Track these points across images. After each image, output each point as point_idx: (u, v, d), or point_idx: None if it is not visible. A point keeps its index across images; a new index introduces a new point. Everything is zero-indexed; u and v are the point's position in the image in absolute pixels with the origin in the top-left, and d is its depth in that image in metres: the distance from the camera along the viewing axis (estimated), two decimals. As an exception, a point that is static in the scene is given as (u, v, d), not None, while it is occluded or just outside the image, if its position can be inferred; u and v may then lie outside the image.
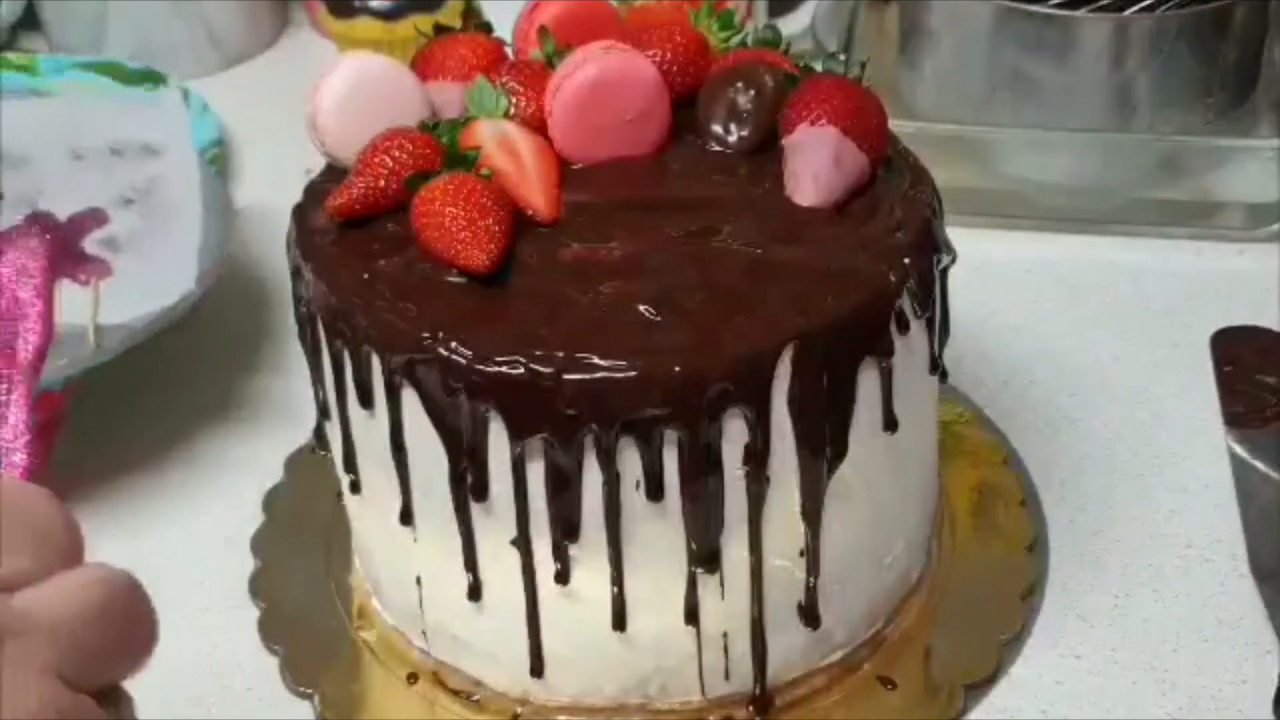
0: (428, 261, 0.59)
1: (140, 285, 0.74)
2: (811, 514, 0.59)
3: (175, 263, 0.75)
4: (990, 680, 0.65)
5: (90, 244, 0.77)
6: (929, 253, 0.61)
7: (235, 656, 0.68)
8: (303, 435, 0.74)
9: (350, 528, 0.68)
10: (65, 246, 0.76)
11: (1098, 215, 0.90)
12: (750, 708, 0.63)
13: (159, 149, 0.83)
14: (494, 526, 0.59)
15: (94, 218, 0.78)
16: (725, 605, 0.60)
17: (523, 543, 0.59)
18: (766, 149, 0.63)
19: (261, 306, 0.87)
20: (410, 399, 0.58)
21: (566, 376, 0.55)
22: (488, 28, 0.68)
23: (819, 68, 0.65)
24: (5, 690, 0.36)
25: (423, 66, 0.66)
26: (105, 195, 0.80)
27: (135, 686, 0.68)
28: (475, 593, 0.61)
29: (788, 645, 0.62)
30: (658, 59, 0.64)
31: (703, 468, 0.57)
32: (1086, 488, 0.74)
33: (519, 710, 0.64)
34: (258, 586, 0.71)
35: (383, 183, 0.60)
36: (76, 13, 1.10)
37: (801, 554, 0.60)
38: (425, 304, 0.58)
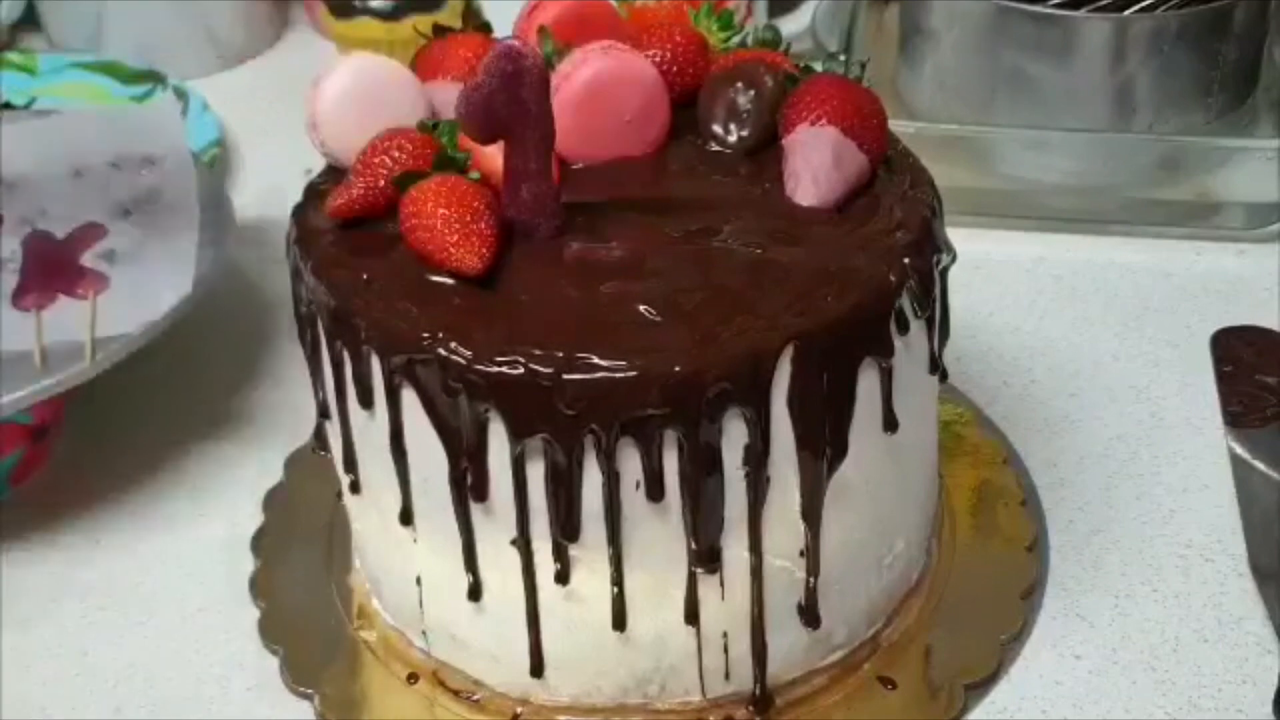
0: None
1: (139, 294, 0.74)
2: (811, 514, 0.59)
3: (173, 269, 0.76)
4: (990, 680, 0.65)
5: (89, 258, 0.77)
6: (929, 253, 0.61)
7: (235, 656, 0.68)
8: (303, 436, 0.74)
9: (350, 528, 0.68)
10: (63, 264, 0.76)
11: (1097, 215, 0.90)
12: (750, 708, 0.63)
13: (158, 159, 0.83)
14: (494, 526, 0.59)
15: (92, 233, 0.78)
16: (725, 605, 0.60)
17: (523, 543, 0.59)
18: (766, 149, 0.63)
19: (261, 307, 0.87)
20: (410, 399, 0.58)
21: (566, 376, 0.55)
22: (488, 28, 0.68)
23: (819, 68, 0.65)
24: None
25: (423, 66, 0.66)
26: (105, 209, 0.80)
27: (135, 686, 0.69)
28: (475, 593, 0.61)
29: (788, 645, 0.62)
30: (658, 59, 0.64)
31: (703, 468, 0.57)
32: (1086, 488, 0.74)
33: (519, 710, 0.64)
34: (258, 586, 0.71)
35: (382, 183, 0.60)
36: (76, 13, 1.10)
37: (801, 554, 0.60)
38: (425, 304, 0.58)
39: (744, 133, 0.64)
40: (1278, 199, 0.88)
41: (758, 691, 0.63)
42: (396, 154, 0.60)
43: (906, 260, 0.59)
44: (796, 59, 0.66)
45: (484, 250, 0.58)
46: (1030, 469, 0.75)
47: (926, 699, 0.65)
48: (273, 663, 0.67)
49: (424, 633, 0.65)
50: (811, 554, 0.60)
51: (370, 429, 0.61)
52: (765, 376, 0.56)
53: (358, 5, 1.05)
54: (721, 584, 0.60)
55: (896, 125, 0.65)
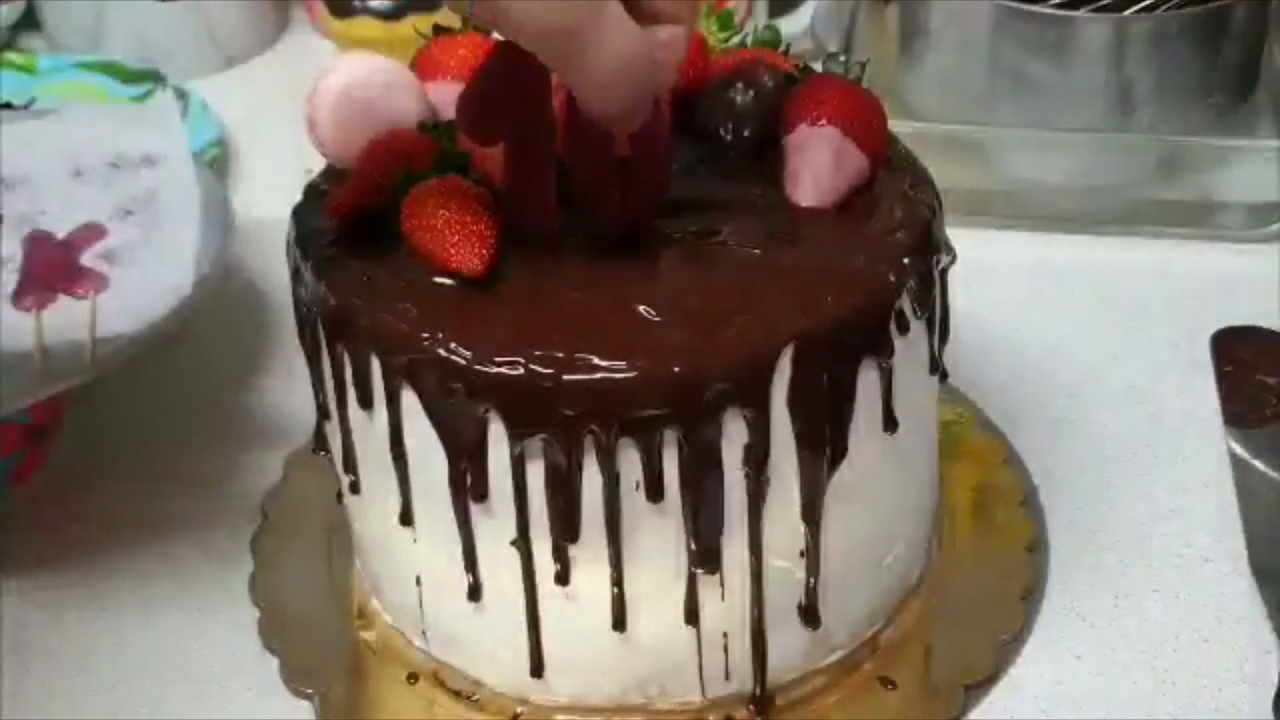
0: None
1: (139, 294, 0.74)
2: (811, 514, 0.59)
3: (174, 269, 0.75)
4: (990, 680, 0.65)
5: (89, 258, 0.77)
6: (929, 253, 0.61)
7: (235, 656, 0.68)
8: (303, 436, 0.74)
9: (350, 528, 0.68)
10: (63, 264, 0.76)
11: (1098, 215, 0.90)
12: (750, 708, 0.63)
13: (157, 159, 0.83)
14: (494, 527, 0.59)
15: (92, 233, 0.78)
16: (725, 605, 0.60)
17: (523, 543, 0.59)
18: (766, 149, 0.63)
19: (261, 307, 0.87)
20: (410, 400, 0.58)
21: (566, 377, 0.55)
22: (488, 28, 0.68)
23: (819, 68, 0.65)
24: None
25: (423, 66, 0.66)
26: (105, 209, 0.80)
27: (135, 686, 0.69)
28: (475, 593, 0.61)
29: (788, 645, 0.62)
30: (657, 59, 0.64)
31: (703, 468, 0.57)
32: (1086, 488, 0.74)
33: (519, 710, 0.64)
34: (258, 587, 0.71)
35: (382, 183, 0.60)
36: (76, 13, 1.10)
37: (801, 554, 0.60)
38: (425, 304, 0.58)
39: (744, 133, 0.64)
40: (1278, 199, 0.88)
41: (758, 691, 0.63)
42: (396, 154, 0.60)
43: (906, 260, 0.59)
44: (796, 59, 0.66)
45: (484, 250, 0.58)
46: (1030, 469, 0.75)
47: (926, 699, 0.65)
48: (273, 663, 0.67)
49: (424, 633, 0.65)
50: (811, 554, 0.60)
51: (370, 429, 0.61)
52: (765, 376, 0.56)
53: (358, 5, 1.05)
54: (721, 584, 0.60)
55: (896, 125, 0.65)
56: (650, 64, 0.52)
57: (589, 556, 0.59)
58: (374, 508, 0.64)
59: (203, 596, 0.71)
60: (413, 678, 0.66)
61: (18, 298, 0.75)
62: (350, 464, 0.64)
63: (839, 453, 0.59)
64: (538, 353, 0.55)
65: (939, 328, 0.63)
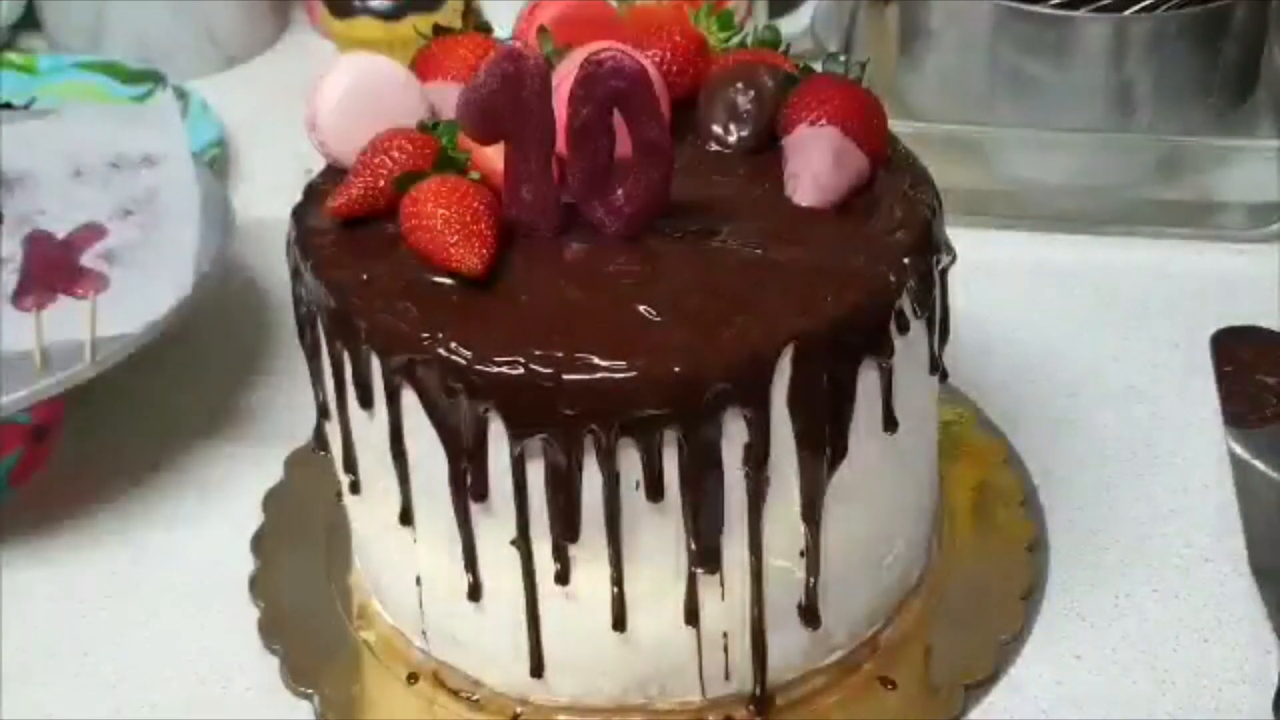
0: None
1: (139, 294, 0.74)
2: (811, 514, 0.59)
3: (174, 269, 0.76)
4: (990, 680, 0.65)
5: (89, 258, 0.77)
6: (929, 253, 0.61)
7: (235, 656, 0.68)
8: (303, 436, 0.74)
9: (350, 528, 0.68)
10: (63, 264, 0.76)
11: (1098, 215, 0.90)
12: (750, 708, 0.63)
13: (157, 159, 0.83)
14: (494, 526, 0.59)
15: (92, 233, 0.78)
16: (725, 605, 0.60)
17: (523, 543, 0.59)
18: (766, 149, 0.63)
19: (262, 307, 0.87)
20: (410, 399, 0.58)
21: (566, 376, 0.55)
22: (487, 28, 0.68)
23: (819, 68, 0.65)
24: None
25: (423, 66, 0.66)
26: (105, 209, 0.80)
27: (135, 686, 0.69)
28: (475, 593, 0.61)
29: (788, 645, 0.62)
30: (657, 59, 0.64)
31: (703, 468, 0.57)
32: (1086, 488, 0.74)
33: (519, 710, 0.64)
34: (258, 586, 0.71)
35: (382, 183, 0.60)
36: (76, 13, 1.10)
37: (801, 554, 0.60)
38: (425, 304, 0.58)
39: (744, 133, 0.64)
40: (1278, 199, 0.88)
41: (758, 691, 0.63)
42: (396, 154, 0.60)
43: (906, 260, 0.59)
44: (796, 59, 0.66)
45: (484, 250, 0.58)
46: (1030, 469, 0.75)
47: (926, 699, 0.65)
48: (273, 663, 0.67)
49: (424, 633, 0.65)
50: (811, 554, 0.60)
51: (370, 429, 0.61)
52: (765, 376, 0.56)
53: (358, 5, 1.05)
54: (721, 584, 0.60)
55: (896, 125, 0.65)
56: None
57: (589, 556, 0.59)
58: (374, 508, 0.64)
59: (203, 596, 0.71)
60: (413, 678, 0.66)
61: (18, 298, 0.75)
62: (350, 464, 0.64)
63: (839, 453, 0.59)
64: (538, 352, 0.55)
65: (939, 328, 0.63)
